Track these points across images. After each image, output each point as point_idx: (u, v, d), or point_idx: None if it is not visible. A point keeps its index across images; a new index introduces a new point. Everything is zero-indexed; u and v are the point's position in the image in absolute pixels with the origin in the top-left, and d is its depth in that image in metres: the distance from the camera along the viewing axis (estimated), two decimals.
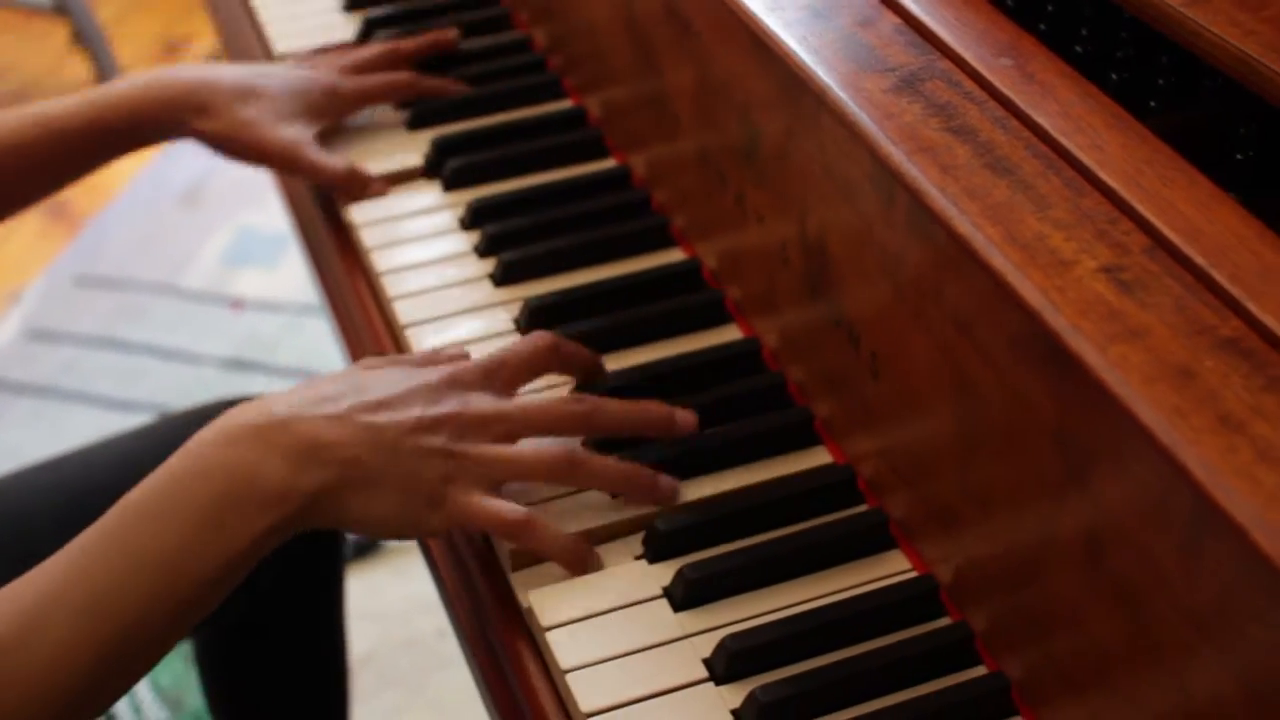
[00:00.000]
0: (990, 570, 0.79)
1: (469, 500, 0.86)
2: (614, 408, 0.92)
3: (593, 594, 0.86)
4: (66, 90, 1.25)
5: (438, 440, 0.86)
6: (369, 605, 1.98)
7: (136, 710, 1.85)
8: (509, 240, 1.11)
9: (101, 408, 2.34)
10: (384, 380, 0.89)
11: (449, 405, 0.88)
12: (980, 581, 0.80)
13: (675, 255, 1.09)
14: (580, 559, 0.87)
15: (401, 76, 1.25)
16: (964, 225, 0.70)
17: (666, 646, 0.84)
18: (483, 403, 0.89)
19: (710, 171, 1.02)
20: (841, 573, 0.87)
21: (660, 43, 1.04)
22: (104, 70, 2.95)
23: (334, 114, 1.22)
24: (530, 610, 0.85)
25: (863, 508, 0.90)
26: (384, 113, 1.26)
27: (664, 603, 0.86)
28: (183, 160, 2.77)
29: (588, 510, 0.90)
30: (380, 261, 1.11)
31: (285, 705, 1.44)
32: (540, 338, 0.94)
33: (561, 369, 0.96)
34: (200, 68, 1.17)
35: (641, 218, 1.12)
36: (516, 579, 0.88)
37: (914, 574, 0.86)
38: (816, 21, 0.84)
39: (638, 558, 0.88)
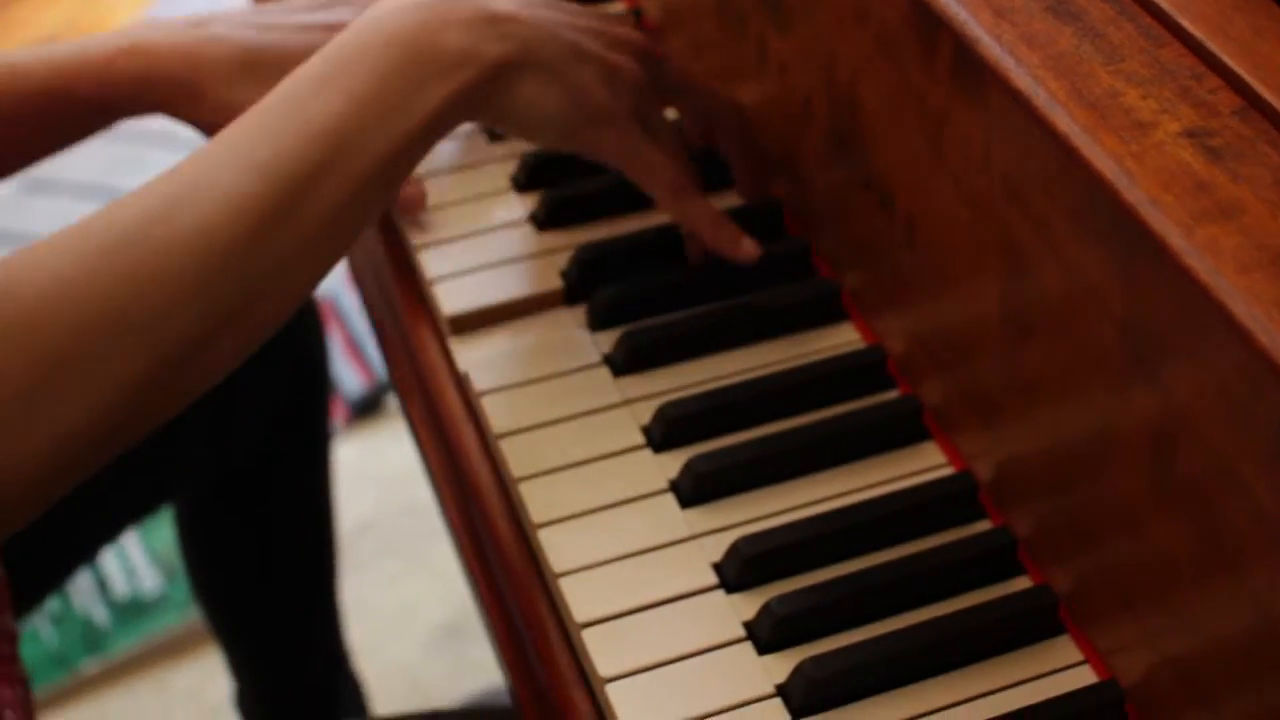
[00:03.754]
0: (1037, 469, 0.70)
1: (632, 133, 0.83)
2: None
3: (590, 486, 0.78)
4: None
5: (619, 58, 0.83)
6: (369, 468, 1.91)
7: (130, 574, 1.78)
8: None
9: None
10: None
11: (633, 39, 0.85)
12: (1026, 482, 0.71)
13: None
14: (733, 237, 0.85)
15: None
16: (1021, 79, 0.60)
17: (672, 548, 0.75)
18: (646, 50, 0.86)
19: (729, 16, 0.92)
20: (868, 467, 0.78)
21: None
22: None
23: None
24: (522, 501, 0.77)
25: (894, 394, 0.81)
26: None
27: (670, 498, 0.77)
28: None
29: (582, 392, 0.81)
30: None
31: (268, 575, 1.37)
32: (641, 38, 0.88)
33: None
34: (191, 32, 0.92)
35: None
36: (505, 446, 0.79)
37: (950, 470, 0.77)
38: None
39: (641, 446, 0.79)
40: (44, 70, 0.93)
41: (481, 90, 0.78)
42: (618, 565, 0.75)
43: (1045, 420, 0.69)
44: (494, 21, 0.78)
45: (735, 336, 0.84)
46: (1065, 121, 0.58)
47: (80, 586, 1.78)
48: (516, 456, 0.79)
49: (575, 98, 0.80)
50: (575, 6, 0.84)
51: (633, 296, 0.85)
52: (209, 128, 0.90)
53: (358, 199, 0.74)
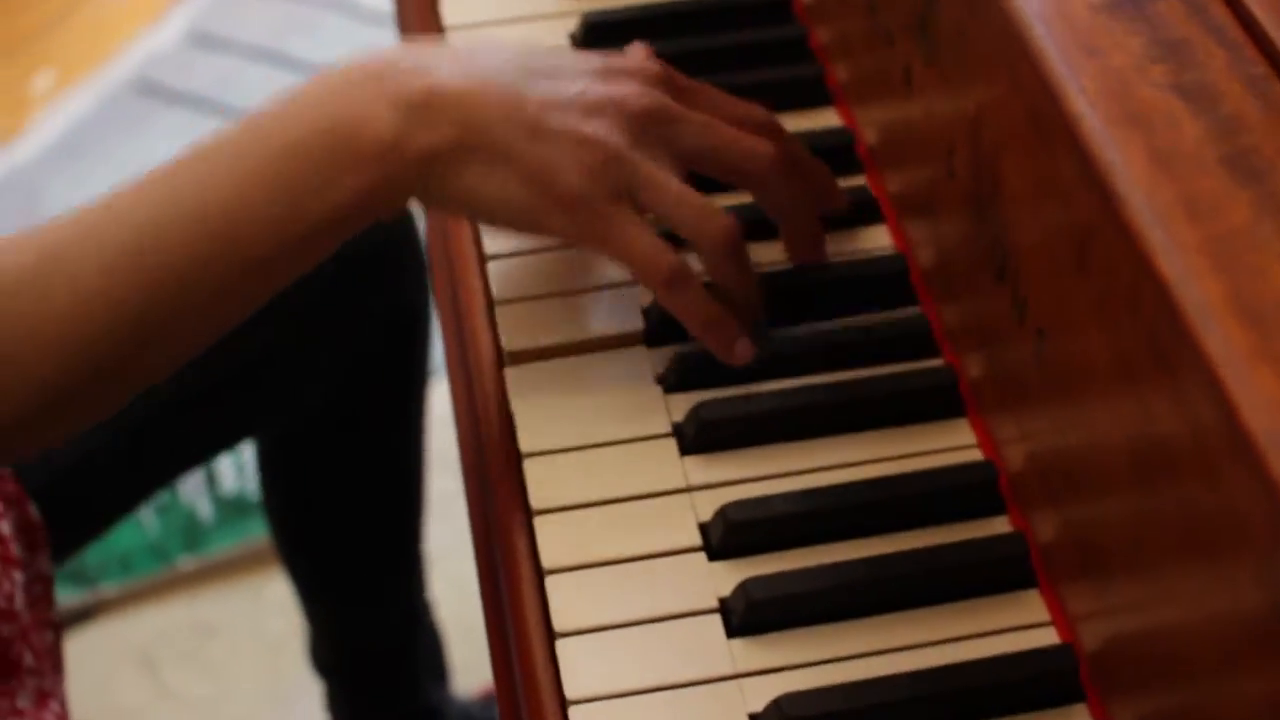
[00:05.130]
0: (1146, 651, 0.57)
1: (612, 217, 0.69)
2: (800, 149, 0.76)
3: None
4: None
5: (593, 127, 0.69)
6: None
7: (240, 471, 1.70)
8: None
9: None
10: (550, 55, 0.72)
11: (618, 88, 0.70)
12: (1131, 664, 0.59)
13: (830, 118, 0.86)
14: (726, 338, 0.71)
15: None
16: (1171, 266, 0.46)
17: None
18: (666, 99, 0.71)
19: (878, 27, 0.79)
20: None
21: None
22: None
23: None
24: (547, 602, 0.66)
25: (1003, 523, 0.69)
26: None
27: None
28: None
29: (641, 465, 0.70)
30: None
31: (351, 521, 1.29)
32: (763, 112, 0.75)
33: (773, 188, 0.74)
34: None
35: (798, 61, 0.89)
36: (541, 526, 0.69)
37: (1056, 639, 0.65)
38: None
39: (695, 549, 0.68)
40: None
41: (407, 184, 0.68)
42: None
43: (1166, 593, 0.57)
44: (430, 105, 0.67)
45: (829, 423, 0.72)
46: (1217, 342, 0.44)
47: (189, 479, 1.72)
48: (551, 540, 0.68)
49: (532, 182, 0.68)
50: (564, 58, 0.72)
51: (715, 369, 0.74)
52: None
53: (245, 285, 0.67)
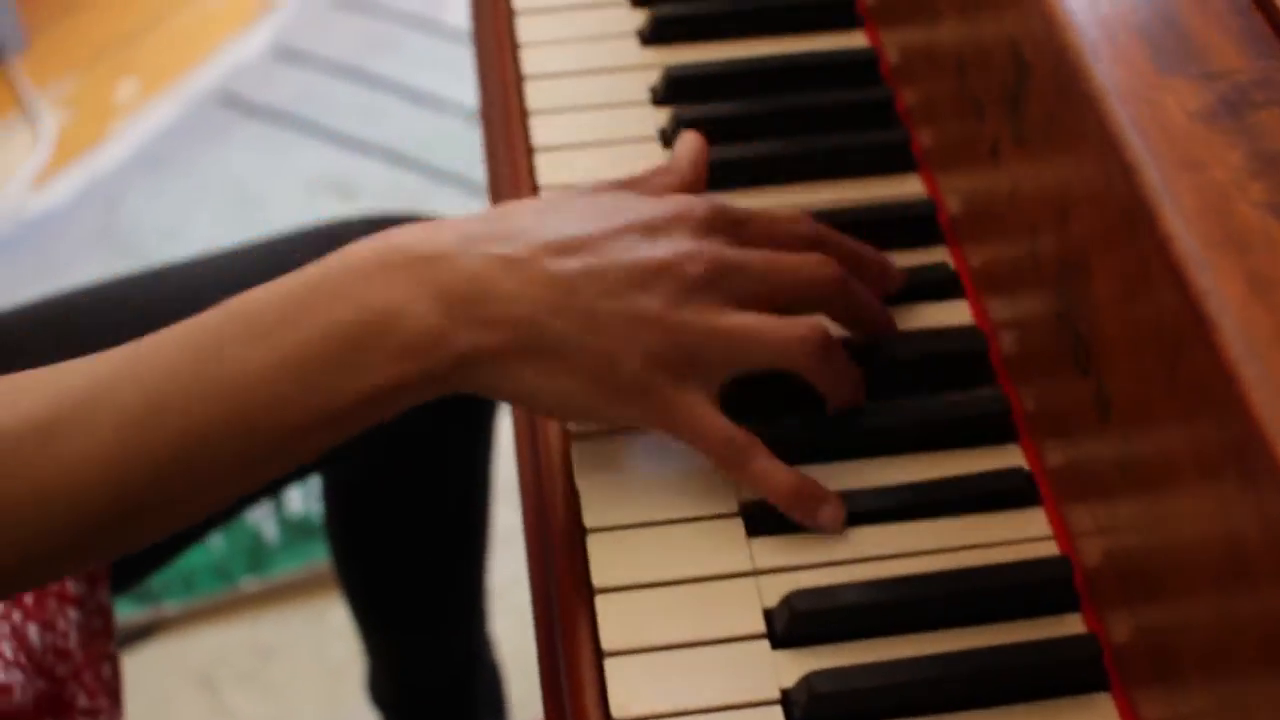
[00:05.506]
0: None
1: (676, 401, 0.66)
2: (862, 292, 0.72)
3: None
4: None
5: (651, 303, 0.65)
6: None
7: (307, 493, 1.70)
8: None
9: (333, 144, 2.18)
10: (589, 209, 0.68)
11: (668, 247, 0.66)
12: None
13: (914, 186, 0.84)
14: (810, 507, 0.68)
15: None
16: (1260, 396, 0.44)
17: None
18: (717, 247, 0.67)
19: (967, 96, 0.77)
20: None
21: None
22: None
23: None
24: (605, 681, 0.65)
25: (1076, 622, 0.67)
26: None
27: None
28: None
29: (705, 542, 0.69)
30: None
31: (415, 553, 1.28)
32: (814, 224, 0.72)
33: (838, 303, 0.72)
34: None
35: (884, 124, 0.88)
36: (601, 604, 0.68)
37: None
38: None
39: (758, 636, 0.67)
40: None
41: (449, 379, 0.65)
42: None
43: (1242, 706, 0.55)
44: (476, 301, 0.64)
45: (900, 509, 0.70)
46: None
47: None
48: (611, 621, 0.67)
49: (590, 375, 0.65)
50: (607, 212, 0.68)
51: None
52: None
53: (267, 458, 0.64)
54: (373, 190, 2.11)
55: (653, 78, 0.90)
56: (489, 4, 0.96)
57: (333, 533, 1.28)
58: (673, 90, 0.88)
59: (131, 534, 0.65)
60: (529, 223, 0.67)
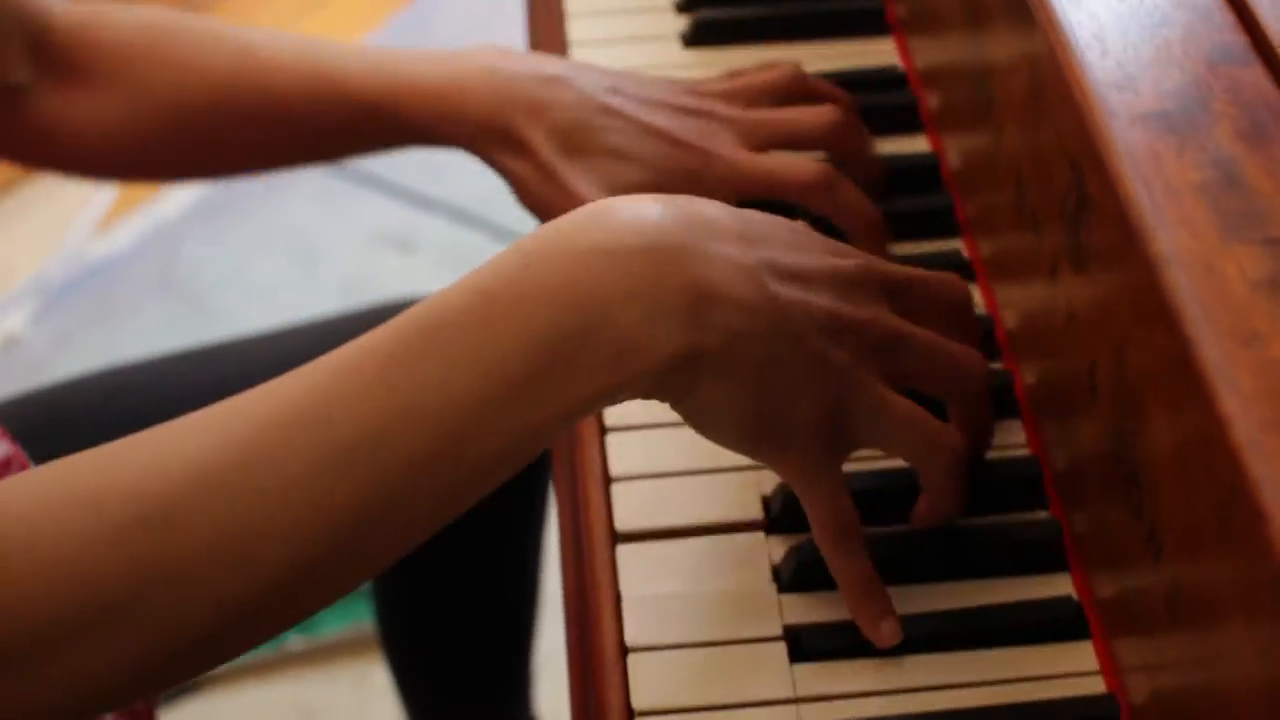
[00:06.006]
0: None
1: (823, 467, 0.65)
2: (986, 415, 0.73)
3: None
4: None
5: (840, 354, 0.64)
6: None
7: None
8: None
9: (395, 197, 2.19)
10: (794, 236, 0.66)
11: (860, 305, 0.65)
12: None
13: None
14: (876, 613, 0.68)
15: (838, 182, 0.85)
16: None
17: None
18: (899, 321, 0.67)
19: (1025, 213, 0.76)
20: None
21: (994, 10, 0.76)
22: None
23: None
24: None
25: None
26: None
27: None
28: None
29: (745, 669, 0.68)
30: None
31: (464, 635, 1.27)
32: (963, 284, 0.72)
33: (963, 335, 0.72)
34: (544, 78, 0.87)
35: (942, 232, 0.87)
36: None
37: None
38: (1178, 129, 0.56)
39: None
40: (374, 88, 0.88)
41: (650, 382, 0.60)
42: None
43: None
44: (705, 302, 0.60)
45: (946, 638, 0.69)
46: None
47: None
48: None
49: (766, 410, 0.62)
50: (802, 246, 0.66)
51: None
52: (518, 190, 0.87)
53: (464, 489, 0.59)
54: (432, 246, 2.11)
55: None
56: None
57: (380, 603, 1.28)
58: None
59: (303, 601, 0.58)
60: (733, 222, 0.63)
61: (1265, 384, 0.47)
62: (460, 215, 2.15)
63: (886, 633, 0.68)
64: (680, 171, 0.84)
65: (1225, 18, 0.60)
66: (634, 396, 0.61)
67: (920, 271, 0.71)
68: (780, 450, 0.64)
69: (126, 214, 2.20)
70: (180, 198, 2.21)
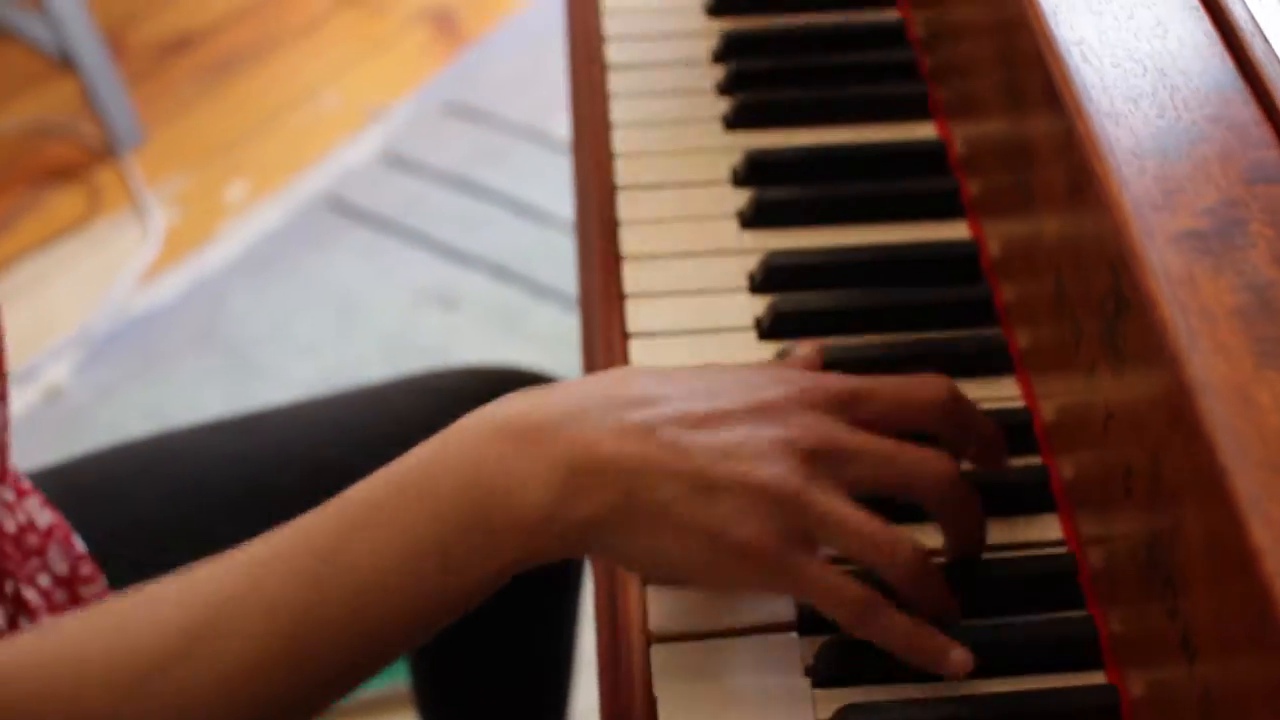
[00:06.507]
0: None
1: (790, 561, 0.66)
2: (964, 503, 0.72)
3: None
4: None
5: (763, 473, 0.65)
6: None
7: None
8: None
9: (437, 254, 2.20)
10: (711, 384, 0.68)
11: (793, 427, 0.66)
12: None
13: (1008, 388, 0.84)
14: (938, 653, 0.68)
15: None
16: None
17: None
18: (838, 430, 0.67)
19: (1065, 308, 0.76)
20: None
21: (1032, 98, 0.77)
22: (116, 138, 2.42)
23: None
24: None
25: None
26: None
27: None
28: None
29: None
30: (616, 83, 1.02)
31: (497, 697, 1.27)
32: (940, 384, 0.71)
33: (951, 433, 0.72)
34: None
35: (981, 322, 0.87)
36: None
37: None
38: (1214, 250, 0.56)
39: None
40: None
41: (568, 547, 0.65)
42: None
43: None
44: (591, 471, 0.64)
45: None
46: None
47: None
48: None
49: (704, 538, 0.64)
50: (727, 386, 0.68)
51: (868, 662, 0.71)
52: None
53: (380, 657, 0.65)
54: (474, 302, 2.13)
55: (751, 263, 0.90)
56: (592, 187, 0.97)
57: (415, 664, 1.28)
58: (771, 278, 0.89)
59: None
60: (647, 391, 0.67)
61: None
62: (501, 272, 2.16)
63: (958, 662, 0.68)
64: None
65: (1263, 133, 0.60)
66: (565, 556, 0.65)
67: (881, 381, 0.71)
68: (736, 569, 0.65)
69: (171, 267, 2.21)
70: (226, 251, 2.23)
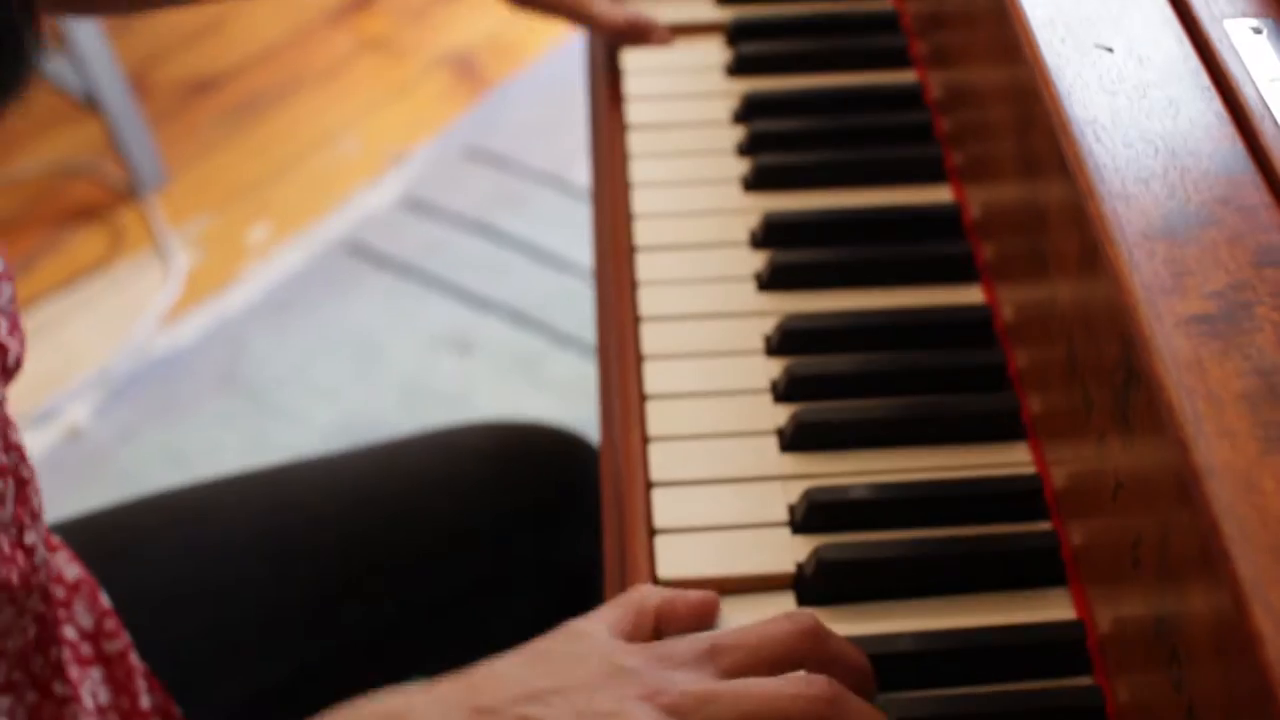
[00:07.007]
0: None
1: None
2: (858, 707, 0.69)
3: None
4: None
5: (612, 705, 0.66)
6: None
7: None
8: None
9: (456, 299, 2.21)
10: (567, 660, 0.69)
11: (640, 686, 0.67)
12: None
13: (1019, 454, 0.85)
14: None
15: None
16: None
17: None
18: (686, 681, 0.68)
19: (1076, 376, 0.77)
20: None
21: (1046, 167, 0.78)
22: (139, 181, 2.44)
23: None
24: None
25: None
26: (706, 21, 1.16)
27: None
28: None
29: None
30: (636, 146, 1.05)
31: None
32: (799, 620, 0.71)
33: (819, 668, 0.71)
34: None
35: (994, 387, 0.88)
36: None
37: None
38: (1222, 334, 0.57)
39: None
40: None
41: None
42: None
43: None
44: None
45: None
46: None
47: None
48: None
49: None
50: (606, 650, 0.69)
51: None
52: None
53: None
54: (492, 348, 2.14)
55: (768, 325, 0.92)
56: (610, 244, 0.99)
57: None
58: (787, 341, 0.90)
59: None
60: (505, 674, 0.69)
61: None
62: (519, 317, 2.18)
63: None
64: None
65: (1272, 217, 0.61)
66: None
67: (738, 632, 0.70)
68: None
69: (193, 309, 2.23)
70: (247, 294, 2.25)
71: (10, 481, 0.79)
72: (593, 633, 0.70)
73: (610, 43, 1.16)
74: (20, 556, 0.80)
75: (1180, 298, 0.59)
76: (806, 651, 0.70)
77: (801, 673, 0.69)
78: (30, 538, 0.81)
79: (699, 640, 0.70)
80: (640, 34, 1.14)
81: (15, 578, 0.79)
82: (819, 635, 0.71)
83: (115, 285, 2.28)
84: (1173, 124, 0.67)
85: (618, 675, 0.68)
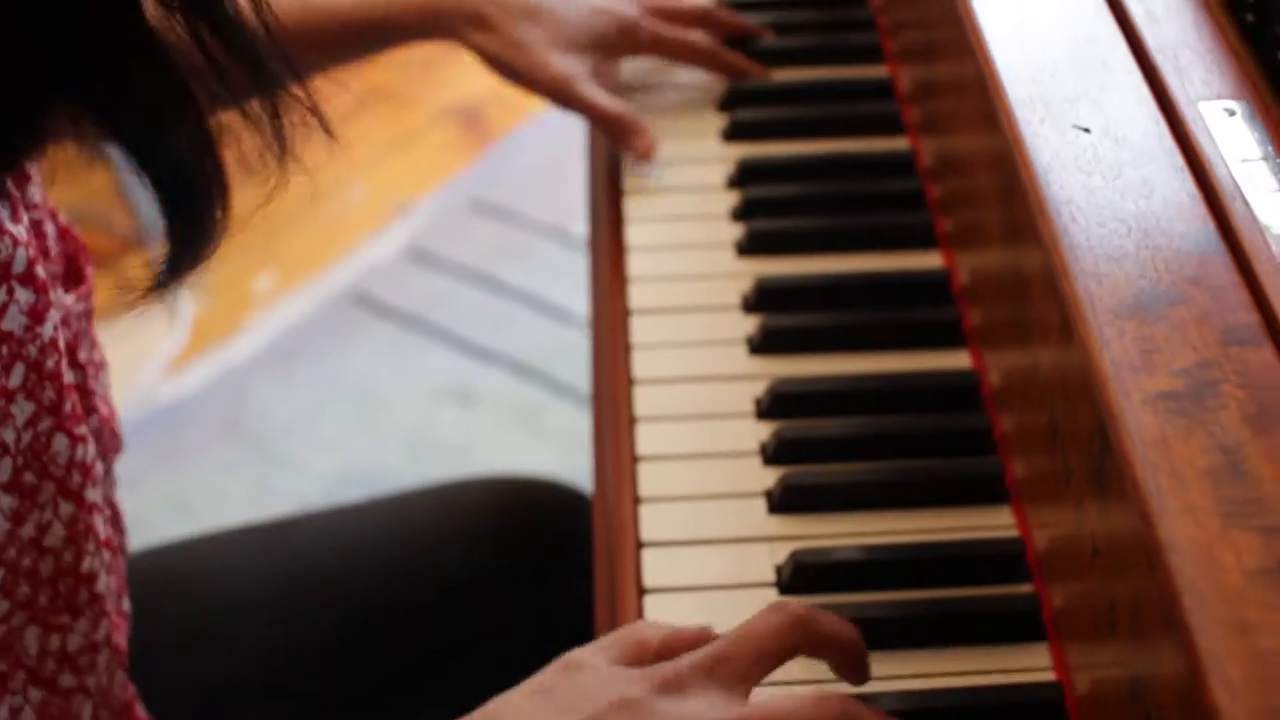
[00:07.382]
0: None
1: None
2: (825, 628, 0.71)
3: None
4: None
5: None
6: None
7: None
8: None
9: (458, 350, 2.24)
10: (576, 693, 0.70)
11: (644, 710, 0.68)
12: None
13: (1003, 517, 0.87)
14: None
15: (703, 43, 1.17)
16: None
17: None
18: (699, 708, 0.68)
19: (1058, 442, 0.80)
20: None
21: (1028, 236, 0.80)
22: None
23: (621, 52, 1.17)
24: None
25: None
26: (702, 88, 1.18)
27: None
28: None
29: None
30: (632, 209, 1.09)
31: None
32: (788, 610, 0.72)
33: (813, 652, 0.74)
34: None
35: (980, 450, 0.91)
36: None
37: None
38: (1188, 412, 0.59)
39: None
40: (365, 17, 1.14)
41: None
42: None
43: None
44: None
45: None
46: None
47: None
48: None
49: None
50: (606, 683, 0.70)
51: None
52: (489, 58, 1.11)
53: None
54: (494, 399, 2.16)
55: (759, 388, 0.94)
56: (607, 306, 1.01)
57: None
58: (777, 405, 0.92)
59: None
60: (510, 716, 0.71)
61: (1255, 675, 0.51)
62: (520, 369, 2.20)
63: None
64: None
65: (1241, 296, 0.64)
66: None
67: (731, 639, 0.71)
68: None
69: (197, 358, 2.26)
70: (251, 343, 2.27)
71: (119, 557, 0.82)
72: (592, 663, 0.71)
73: (597, 129, 1.15)
74: (122, 624, 0.82)
75: (1148, 375, 0.61)
76: (800, 638, 0.72)
77: (815, 691, 0.71)
78: (126, 605, 0.84)
79: (697, 657, 0.70)
80: (623, 133, 1.11)
81: (124, 643, 0.81)
82: (809, 620, 0.72)
83: (119, 335, 2.30)
84: (1146, 204, 0.70)
85: (628, 709, 0.68)
